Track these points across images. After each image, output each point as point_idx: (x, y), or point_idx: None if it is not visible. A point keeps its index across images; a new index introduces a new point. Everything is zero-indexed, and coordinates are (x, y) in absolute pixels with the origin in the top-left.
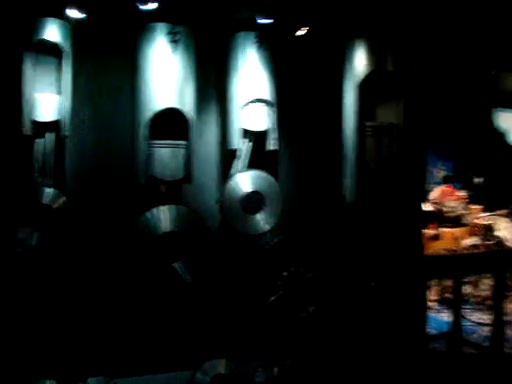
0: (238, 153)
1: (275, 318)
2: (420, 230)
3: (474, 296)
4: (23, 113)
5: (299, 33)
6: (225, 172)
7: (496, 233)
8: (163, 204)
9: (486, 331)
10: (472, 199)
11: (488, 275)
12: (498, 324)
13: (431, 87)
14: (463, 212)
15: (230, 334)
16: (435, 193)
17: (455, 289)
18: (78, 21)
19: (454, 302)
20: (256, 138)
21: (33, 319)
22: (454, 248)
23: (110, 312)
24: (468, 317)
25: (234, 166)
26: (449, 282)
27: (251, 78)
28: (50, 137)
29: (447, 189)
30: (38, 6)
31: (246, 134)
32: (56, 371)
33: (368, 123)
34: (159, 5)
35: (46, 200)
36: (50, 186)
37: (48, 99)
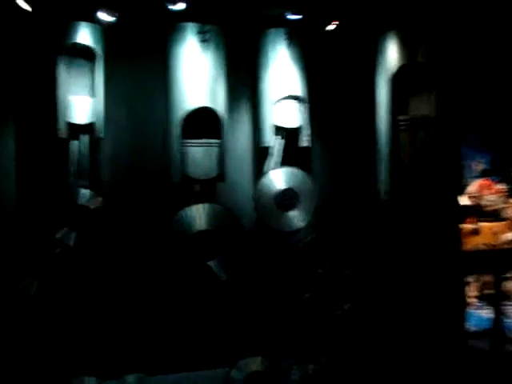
0: (270, 150)
1: (310, 316)
2: (458, 225)
3: None
4: (58, 116)
5: (329, 28)
6: (258, 170)
7: None
8: (198, 203)
9: None
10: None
11: None
12: None
13: (467, 78)
14: (502, 206)
15: (265, 332)
16: (473, 187)
17: (495, 284)
18: (109, 24)
19: (495, 299)
20: (289, 134)
21: (72, 317)
22: (494, 243)
23: (147, 310)
24: (509, 314)
25: (267, 163)
26: (488, 278)
27: (282, 75)
28: (84, 139)
29: (486, 182)
30: (70, 10)
31: (278, 131)
32: (94, 368)
33: (401, 117)
34: (188, 5)
35: (82, 201)
36: (86, 187)
37: (82, 102)
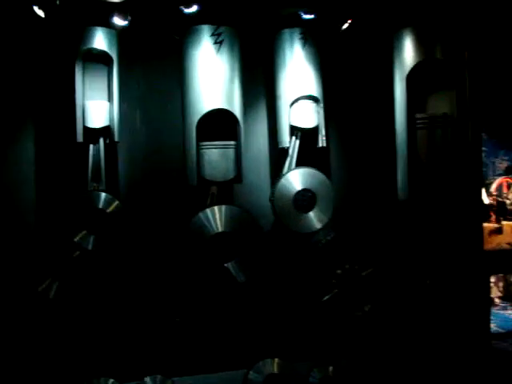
0: (288, 151)
1: (330, 317)
2: (480, 223)
3: None
4: (76, 120)
5: (344, 26)
6: (276, 171)
7: None
8: (215, 205)
9: None
10: None
11: None
12: None
13: (488, 74)
14: None
15: (284, 334)
16: (496, 185)
17: None
18: (123, 28)
19: None
20: (306, 135)
21: (91, 320)
22: None
23: (165, 312)
24: None
25: (284, 164)
26: None
27: (298, 75)
28: (101, 143)
29: (509, 180)
30: (85, 15)
31: (294, 131)
32: (113, 370)
33: (418, 115)
34: (202, 7)
35: (100, 204)
36: (103, 191)
37: (98, 106)
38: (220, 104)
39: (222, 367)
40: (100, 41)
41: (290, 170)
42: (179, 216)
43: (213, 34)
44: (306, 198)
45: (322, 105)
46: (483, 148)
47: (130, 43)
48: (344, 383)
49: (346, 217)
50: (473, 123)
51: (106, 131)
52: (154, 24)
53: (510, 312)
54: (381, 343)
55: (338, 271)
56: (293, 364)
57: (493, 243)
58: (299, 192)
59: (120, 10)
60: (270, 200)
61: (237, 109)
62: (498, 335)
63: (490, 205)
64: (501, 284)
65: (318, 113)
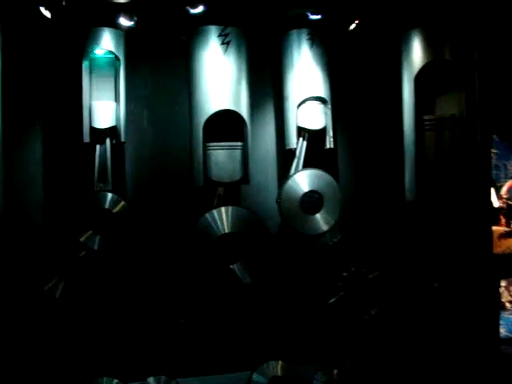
0: (295, 152)
1: (335, 320)
2: (489, 227)
3: None
4: (82, 120)
5: (352, 27)
6: (283, 172)
7: None
8: (221, 206)
9: None
10: None
11: None
12: None
13: (498, 75)
14: None
15: (289, 336)
16: (507, 187)
17: None
18: (130, 28)
19: None
20: (313, 136)
21: (96, 320)
22: None
23: (170, 313)
24: None
25: (291, 165)
26: None
27: (306, 76)
28: (107, 143)
29: None
30: (91, 16)
31: (302, 132)
32: (117, 370)
33: (427, 117)
34: (209, 7)
35: (106, 205)
36: (109, 191)
37: (105, 106)
38: (227, 105)
39: (226, 369)
40: (107, 41)
41: (297, 171)
42: (185, 217)
43: (220, 35)
44: (312, 200)
45: (329, 106)
46: (495, 150)
47: (136, 44)
48: None
49: (353, 219)
50: (482, 125)
51: (112, 132)
52: (161, 24)
53: None
54: (387, 347)
55: (345, 274)
56: (297, 367)
57: (502, 247)
58: (306, 194)
59: (126, 10)
60: (277, 201)
61: (244, 110)
62: (507, 340)
63: (499, 208)
64: (511, 288)
65: (326, 114)
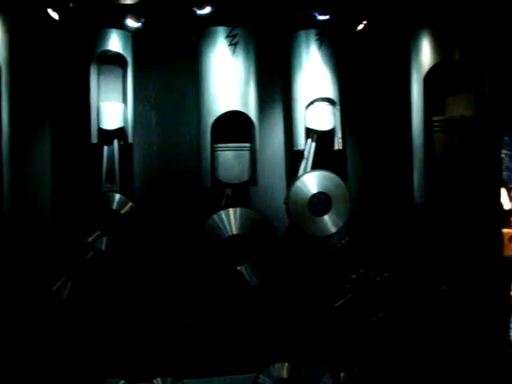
0: (303, 153)
1: (343, 322)
2: (499, 229)
3: None
4: (91, 122)
5: (360, 27)
6: (292, 173)
7: None
8: (229, 207)
9: None
10: None
11: None
12: None
13: (508, 75)
14: None
15: (296, 338)
16: None
17: None
18: (138, 29)
19: None
20: (322, 137)
21: (103, 321)
22: None
23: (176, 314)
24: None
25: (300, 167)
26: None
27: (314, 77)
28: (115, 144)
29: None
30: (98, 17)
31: (310, 133)
32: (123, 371)
33: (436, 118)
34: (216, 9)
35: (113, 206)
36: (117, 192)
37: (113, 108)
38: (235, 106)
39: (232, 370)
40: (115, 43)
41: (305, 172)
42: (193, 218)
43: (228, 36)
44: (321, 201)
45: (338, 107)
46: (507, 152)
47: (145, 45)
48: None
49: (362, 220)
50: (492, 126)
51: (120, 133)
52: (169, 26)
53: None
54: (395, 350)
55: (353, 276)
56: (303, 369)
57: None
58: (314, 195)
59: (133, 11)
60: (285, 203)
61: (252, 111)
62: None
63: (510, 210)
64: None
65: (334, 115)
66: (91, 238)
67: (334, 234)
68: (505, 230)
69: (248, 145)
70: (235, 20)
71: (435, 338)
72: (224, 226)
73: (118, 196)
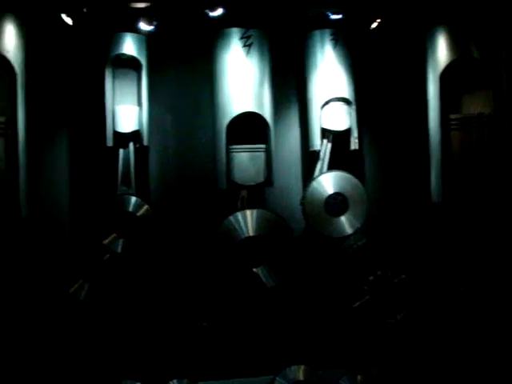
0: (320, 154)
1: (361, 324)
2: None
3: None
4: (106, 125)
5: (374, 25)
6: (308, 174)
7: None
8: (245, 208)
9: None
10: None
11: None
12: None
13: None
14: None
15: (312, 340)
16: None
17: None
18: (152, 33)
19: None
20: (338, 138)
21: (119, 323)
22: None
23: (193, 316)
24: None
25: (316, 167)
26: None
27: (329, 77)
28: (130, 147)
29: None
30: (113, 22)
31: (326, 134)
32: (139, 373)
33: (453, 116)
34: (230, 10)
35: (129, 208)
36: (132, 195)
37: (128, 111)
38: (250, 107)
39: (248, 372)
40: (129, 46)
41: (321, 173)
42: (209, 220)
43: (242, 37)
44: (337, 202)
45: (354, 107)
46: None
47: (159, 48)
48: None
49: (379, 221)
50: (510, 123)
51: (135, 136)
52: (183, 28)
53: None
54: (413, 352)
55: (370, 277)
56: (320, 371)
57: None
58: (331, 196)
59: (145, 15)
60: (301, 203)
61: (267, 112)
62: None
63: None
64: None
65: (350, 115)
66: (107, 241)
67: (351, 235)
68: None
69: (263, 146)
70: (249, 21)
71: (453, 340)
72: (240, 227)
73: (133, 199)
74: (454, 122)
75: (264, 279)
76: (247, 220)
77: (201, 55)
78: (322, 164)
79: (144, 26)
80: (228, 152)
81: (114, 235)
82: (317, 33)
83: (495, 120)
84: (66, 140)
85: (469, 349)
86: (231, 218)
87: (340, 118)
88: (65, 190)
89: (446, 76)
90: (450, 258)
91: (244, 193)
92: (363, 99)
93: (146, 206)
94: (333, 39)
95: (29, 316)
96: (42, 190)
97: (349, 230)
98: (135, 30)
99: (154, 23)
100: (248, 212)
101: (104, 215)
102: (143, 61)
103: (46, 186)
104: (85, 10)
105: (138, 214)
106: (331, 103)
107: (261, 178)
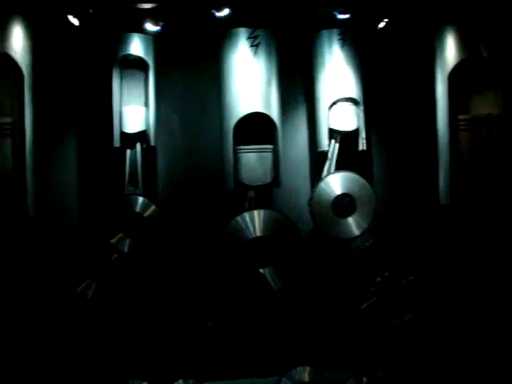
0: (327, 155)
1: (368, 326)
2: None
3: None
4: (113, 125)
5: (381, 25)
6: (316, 175)
7: None
8: (252, 209)
9: None
10: None
11: None
12: None
13: None
14: None
15: (319, 341)
16: None
17: None
18: (158, 33)
19: None
20: (346, 138)
21: (126, 323)
22: None
23: (199, 316)
24: None
25: (323, 168)
26: None
27: (337, 77)
28: (137, 147)
29: None
30: (120, 22)
31: (333, 134)
32: (146, 373)
33: (461, 116)
34: (235, 10)
35: (136, 208)
36: (140, 195)
37: (135, 111)
38: (257, 108)
39: (254, 373)
40: (136, 47)
41: (329, 173)
42: (216, 220)
43: (249, 37)
44: (345, 203)
45: (362, 107)
46: None
47: (166, 48)
48: None
49: (386, 222)
50: None
51: (142, 136)
52: (190, 28)
53: None
54: (420, 354)
55: (378, 279)
56: (326, 373)
57: None
58: (338, 196)
59: (151, 15)
60: (309, 204)
61: (274, 112)
62: None
63: None
64: None
65: (358, 115)
66: (114, 240)
67: (358, 236)
68: None
69: (271, 146)
70: (256, 21)
71: (461, 342)
72: (247, 227)
73: (141, 199)
74: (462, 123)
75: (271, 280)
76: (254, 220)
77: (208, 56)
78: (330, 164)
79: (150, 27)
80: (235, 152)
81: (121, 235)
82: (324, 33)
83: (504, 121)
84: (74, 141)
85: (477, 351)
86: (238, 218)
87: (348, 118)
88: (73, 191)
89: (454, 76)
90: (458, 260)
91: (251, 193)
92: (371, 99)
93: (153, 207)
94: (340, 39)
95: (37, 315)
96: (50, 190)
97: (356, 231)
98: (141, 30)
99: (161, 24)
100: (255, 212)
101: (111, 215)
102: (150, 61)
103: (55, 186)
104: (91, 10)
105: (145, 214)
106: (339, 103)
107: (268, 179)
